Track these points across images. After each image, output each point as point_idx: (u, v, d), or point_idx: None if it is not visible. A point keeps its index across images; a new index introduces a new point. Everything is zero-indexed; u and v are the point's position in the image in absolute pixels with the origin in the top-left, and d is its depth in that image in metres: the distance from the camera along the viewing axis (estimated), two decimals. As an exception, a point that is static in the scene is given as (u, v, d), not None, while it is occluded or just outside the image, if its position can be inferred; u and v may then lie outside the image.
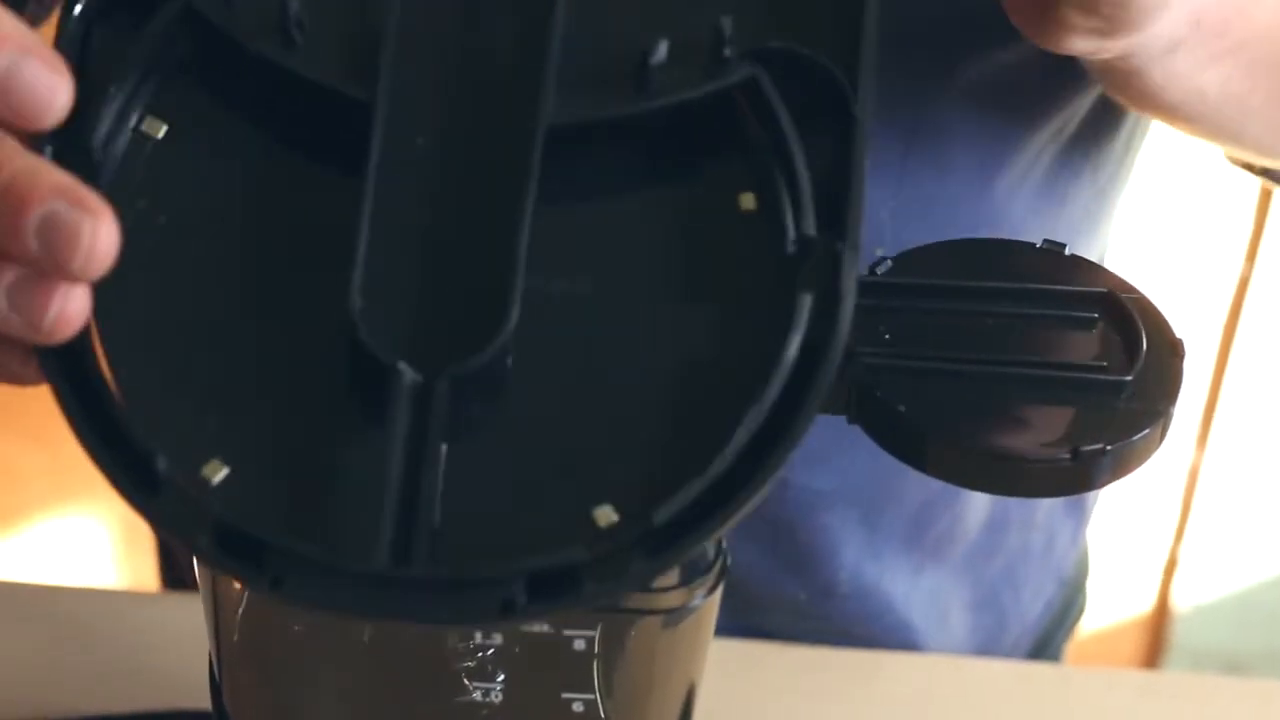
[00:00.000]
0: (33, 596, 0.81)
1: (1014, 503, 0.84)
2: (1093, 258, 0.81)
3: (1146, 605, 1.80)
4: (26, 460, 1.82)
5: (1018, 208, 0.74)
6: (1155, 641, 1.79)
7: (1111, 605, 1.78)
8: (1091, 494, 0.91)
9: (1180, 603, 1.78)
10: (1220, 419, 1.74)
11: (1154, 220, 1.62)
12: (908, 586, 0.82)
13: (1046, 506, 0.87)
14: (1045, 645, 0.91)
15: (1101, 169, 0.78)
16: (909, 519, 0.80)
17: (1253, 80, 0.62)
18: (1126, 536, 1.76)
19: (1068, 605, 0.93)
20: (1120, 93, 0.62)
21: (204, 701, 0.57)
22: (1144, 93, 0.60)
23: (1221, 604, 1.77)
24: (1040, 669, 0.85)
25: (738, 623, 0.80)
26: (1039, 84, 0.72)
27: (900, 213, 0.71)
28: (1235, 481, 1.76)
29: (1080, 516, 0.90)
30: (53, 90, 0.42)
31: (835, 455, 0.76)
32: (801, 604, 0.80)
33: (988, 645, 0.87)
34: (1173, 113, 0.63)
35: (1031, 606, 0.89)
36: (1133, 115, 0.77)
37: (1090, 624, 1.77)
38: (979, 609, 0.86)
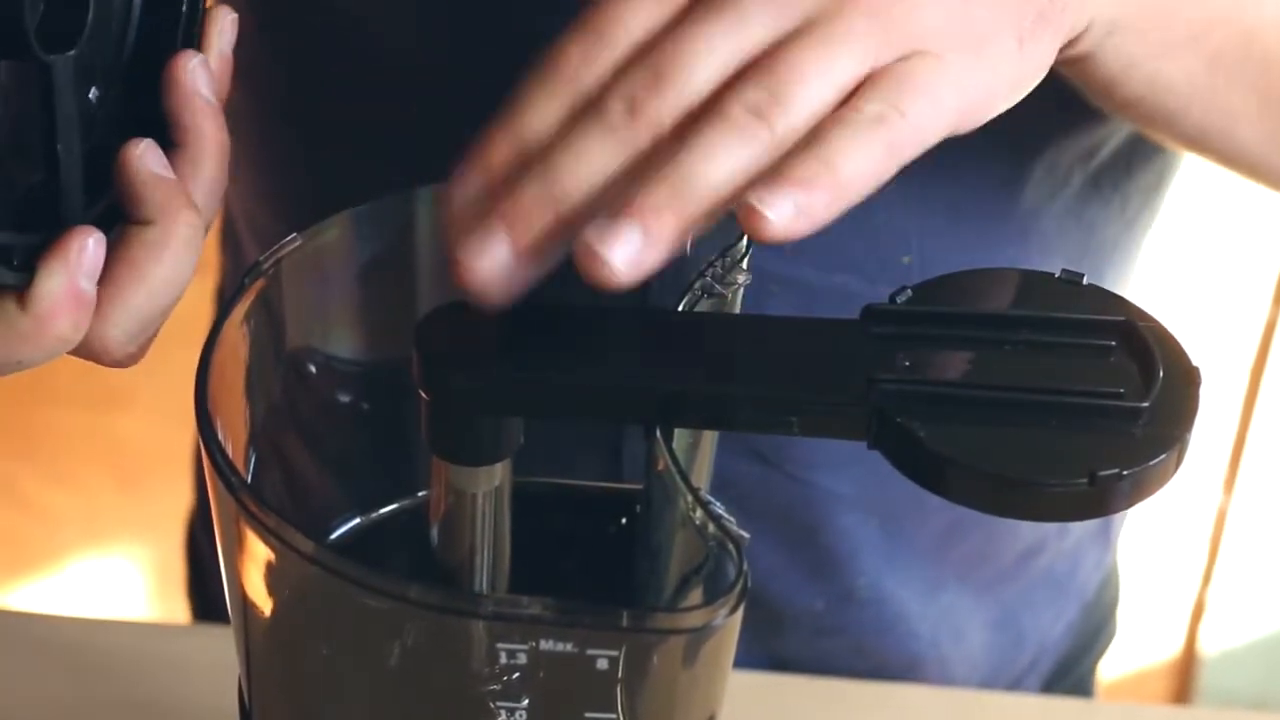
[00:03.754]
0: (65, 629, 0.82)
1: (1052, 530, 0.85)
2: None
3: (1174, 649, 1.79)
4: (59, 503, 1.83)
5: (1044, 225, 0.74)
6: (1183, 685, 1.79)
7: (1139, 649, 1.77)
8: (1117, 519, 0.91)
9: (1208, 647, 1.77)
10: (1247, 463, 1.74)
11: (1181, 264, 1.62)
12: (925, 601, 0.82)
13: (1077, 532, 0.87)
14: (1071, 668, 0.91)
15: (1131, 201, 0.78)
16: (935, 535, 0.81)
17: (1224, 77, 0.62)
18: (1154, 580, 1.76)
19: (1096, 630, 0.93)
20: (1087, 87, 0.62)
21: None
22: (1107, 84, 0.60)
23: (1249, 648, 1.77)
24: (1064, 703, 0.86)
25: (756, 650, 0.81)
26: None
27: (926, 227, 0.72)
28: (1263, 525, 1.76)
29: (1106, 541, 0.91)
30: None
31: (856, 462, 0.76)
32: (819, 614, 0.81)
33: (1002, 664, 0.87)
34: (1148, 114, 0.63)
35: (1052, 628, 0.89)
36: (1167, 151, 0.78)
37: (1118, 668, 1.77)
38: (996, 628, 0.86)
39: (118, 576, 1.83)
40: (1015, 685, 0.89)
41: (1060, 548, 0.86)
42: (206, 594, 0.95)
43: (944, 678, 0.85)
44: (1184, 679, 1.79)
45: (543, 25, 0.61)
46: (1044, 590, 0.87)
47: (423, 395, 0.52)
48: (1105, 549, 0.91)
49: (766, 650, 0.82)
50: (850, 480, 0.77)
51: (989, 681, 0.87)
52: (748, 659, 0.81)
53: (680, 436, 0.51)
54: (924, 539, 0.81)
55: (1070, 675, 0.92)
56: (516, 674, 0.49)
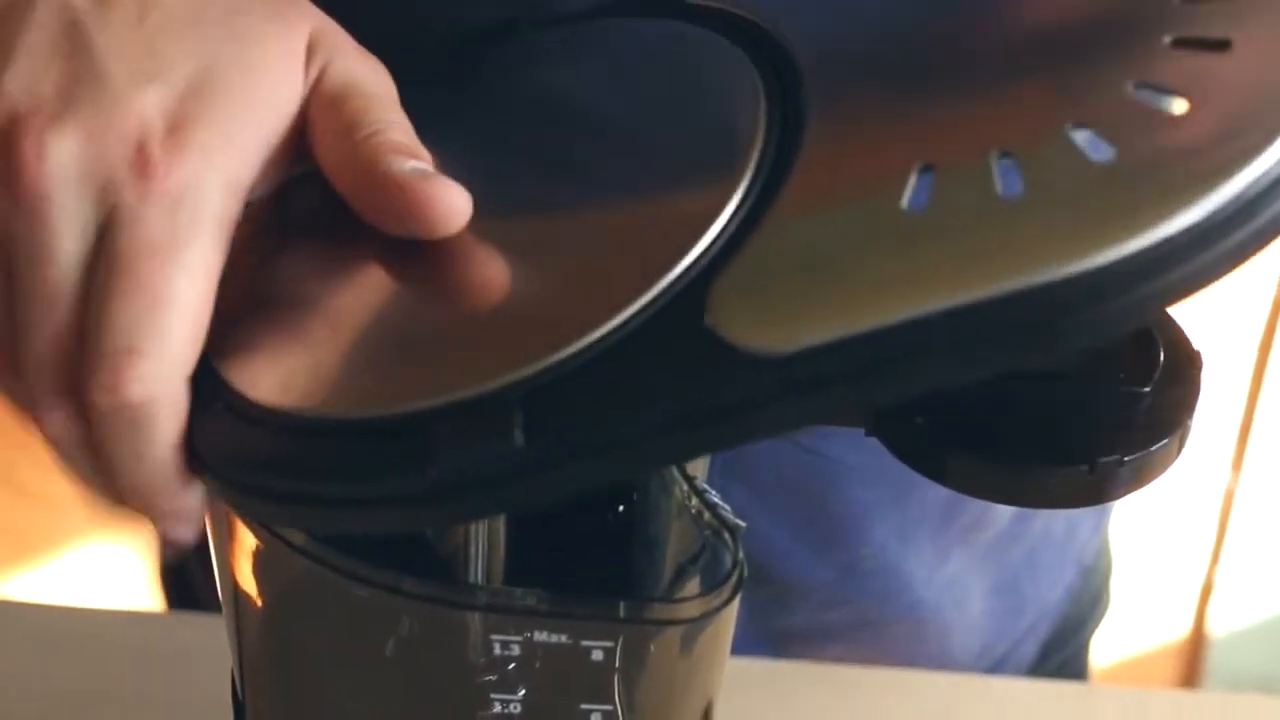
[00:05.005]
0: (62, 619, 0.82)
1: None
2: None
3: (1182, 630, 1.79)
4: (60, 491, 1.83)
5: None
6: (1191, 666, 1.78)
7: (1147, 630, 1.77)
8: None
9: (1216, 627, 1.77)
10: (1255, 442, 1.73)
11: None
12: (930, 570, 0.82)
13: None
14: (1068, 638, 0.91)
15: None
16: (941, 504, 0.80)
17: None
18: (1161, 561, 1.75)
19: (1094, 598, 0.93)
20: None
21: None
22: None
23: (1257, 628, 1.77)
24: (1069, 688, 0.85)
25: (758, 627, 0.80)
26: None
27: None
28: (1271, 505, 1.75)
29: (1101, 507, 0.90)
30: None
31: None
32: (828, 585, 0.80)
33: (1003, 629, 0.87)
34: None
35: (1051, 591, 0.89)
36: None
37: (1126, 649, 1.76)
38: (998, 593, 0.86)
39: (119, 564, 1.83)
40: (1013, 650, 0.88)
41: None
42: (181, 582, 0.95)
43: (944, 647, 0.84)
44: (1192, 660, 1.78)
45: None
46: (1044, 554, 0.87)
47: None
48: (1101, 514, 0.91)
49: (768, 627, 0.81)
50: (859, 451, 0.77)
51: (989, 646, 0.87)
52: (749, 637, 0.81)
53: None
54: (932, 510, 0.80)
55: (1067, 646, 0.91)
56: (511, 665, 0.49)
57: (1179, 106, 0.44)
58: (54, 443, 0.48)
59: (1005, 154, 0.45)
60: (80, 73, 0.47)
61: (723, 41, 0.52)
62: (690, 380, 0.44)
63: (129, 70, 0.47)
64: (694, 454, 0.47)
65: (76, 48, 0.48)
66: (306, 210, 0.51)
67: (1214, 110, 0.44)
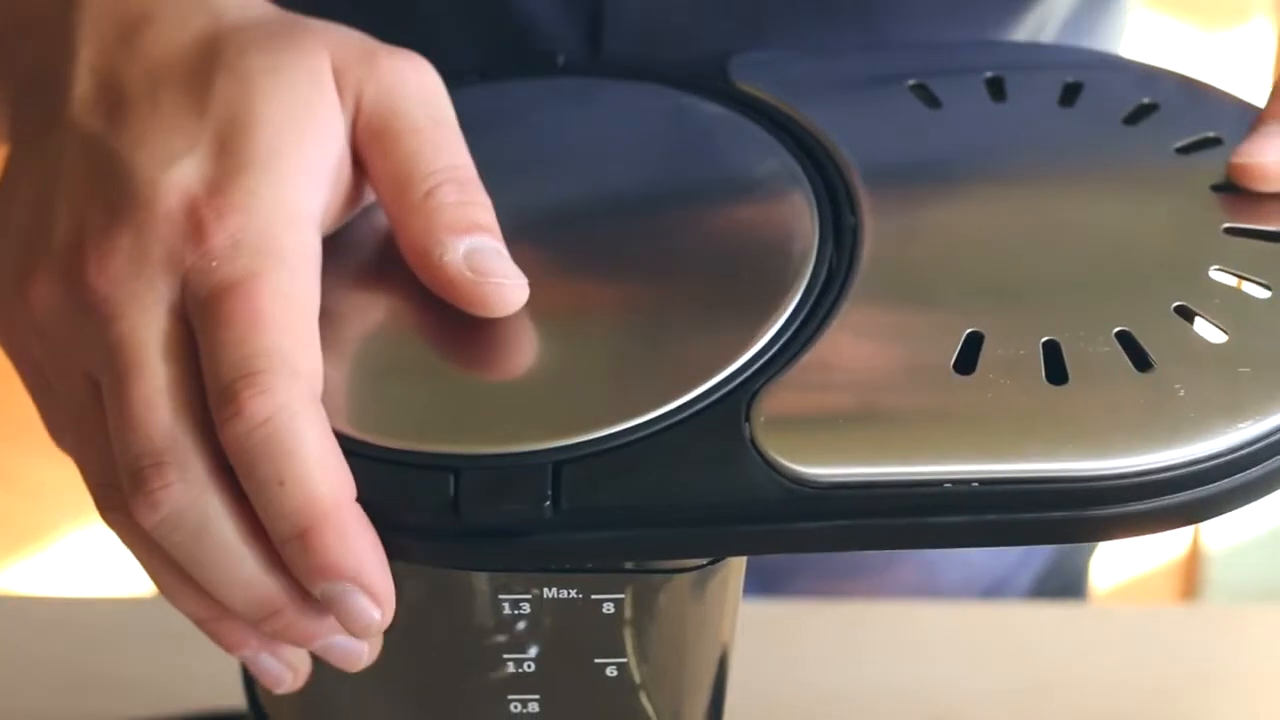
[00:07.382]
0: (56, 609, 0.82)
1: None
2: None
3: (1180, 549, 1.79)
4: (49, 476, 1.82)
5: None
6: (1190, 583, 1.79)
7: (1145, 551, 1.77)
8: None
9: (1213, 543, 1.77)
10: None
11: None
12: None
13: None
14: (1063, 564, 0.90)
15: None
16: None
17: None
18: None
19: None
20: None
21: (239, 701, 0.57)
22: None
23: (1254, 541, 1.77)
24: (1077, 610, 0.85)
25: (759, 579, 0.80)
26: None
27: None
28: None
29: None
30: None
31: None
32: None
33: (988, 560, 0.86)
34: None
35: None
36: None
37: (1125, 571, 1.76)
38: None
39: (109, 550, 1.82)
40: (999, 586, 0.87)
41: None
42: None
43: (930, 576, 0.84)
44: (1191, 577, 1.79)
45: None
46: None
47: None
48: None
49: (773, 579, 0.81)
50: None
51: (973, 579, 0.86)
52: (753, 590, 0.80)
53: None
54: None
55: (1063, 571, 0.90)
56: (521, 624, 0.48)
57: (1218, 336, 0.46)
58: (169, 540, 0.47)
59: (1051, 340, 0.46)
60: (111, 183, 0.48)
61: (767, 135, 0.53)
62: (721, 486, 0.44)
63: (154, 158, 0.47)
64: (714, 553, 0.47)
65: (103, 165, 0.48)
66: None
67: (1250, 346, 0.46)
